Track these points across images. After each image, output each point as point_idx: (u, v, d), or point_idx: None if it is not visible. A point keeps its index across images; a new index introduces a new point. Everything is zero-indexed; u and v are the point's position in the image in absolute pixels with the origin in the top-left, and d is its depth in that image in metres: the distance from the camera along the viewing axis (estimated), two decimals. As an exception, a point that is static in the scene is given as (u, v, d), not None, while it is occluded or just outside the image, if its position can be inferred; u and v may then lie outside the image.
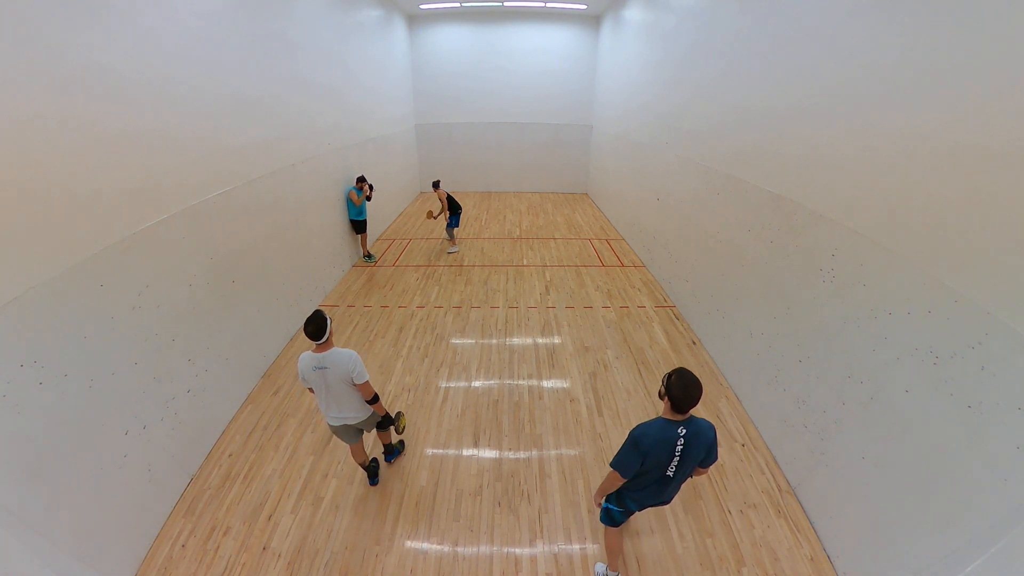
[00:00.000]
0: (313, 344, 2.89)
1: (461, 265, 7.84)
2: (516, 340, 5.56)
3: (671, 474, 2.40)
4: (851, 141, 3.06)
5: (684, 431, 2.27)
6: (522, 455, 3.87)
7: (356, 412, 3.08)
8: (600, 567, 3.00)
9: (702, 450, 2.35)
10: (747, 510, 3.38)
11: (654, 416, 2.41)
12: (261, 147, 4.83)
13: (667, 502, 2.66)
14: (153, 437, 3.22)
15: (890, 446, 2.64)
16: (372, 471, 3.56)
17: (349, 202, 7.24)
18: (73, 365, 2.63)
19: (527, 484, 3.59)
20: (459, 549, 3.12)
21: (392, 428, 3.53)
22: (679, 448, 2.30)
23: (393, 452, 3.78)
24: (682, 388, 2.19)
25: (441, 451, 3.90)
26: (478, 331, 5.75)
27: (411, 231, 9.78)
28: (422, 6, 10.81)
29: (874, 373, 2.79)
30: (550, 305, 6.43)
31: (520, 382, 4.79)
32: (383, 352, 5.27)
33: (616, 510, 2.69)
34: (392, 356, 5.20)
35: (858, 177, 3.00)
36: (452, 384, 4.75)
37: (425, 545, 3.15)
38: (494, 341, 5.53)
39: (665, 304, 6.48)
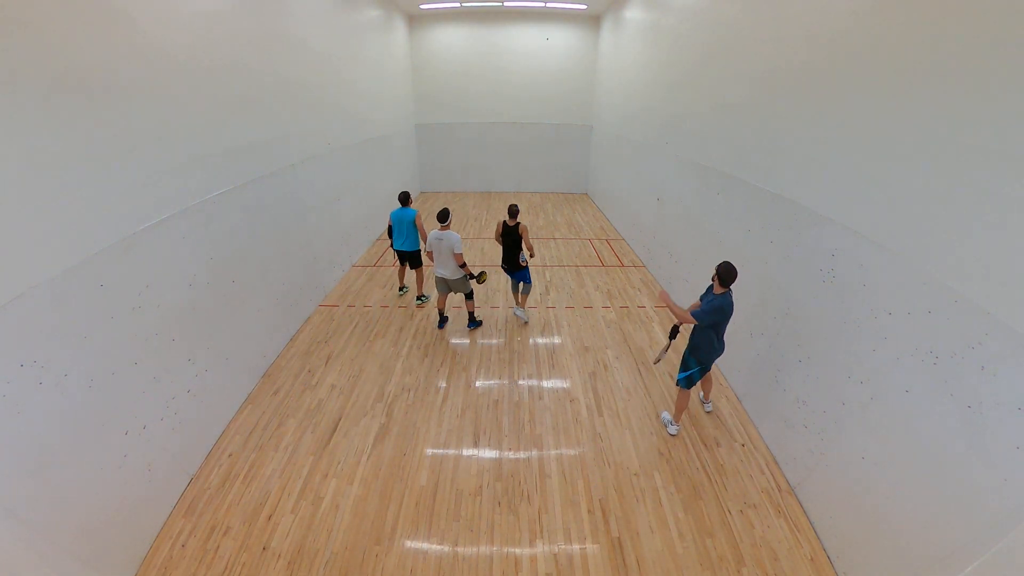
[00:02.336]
0: (439, 225, 5.17)
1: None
2: (516, 340, 5.55)
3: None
4: (851, 141, 3.06)
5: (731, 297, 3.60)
6: (522, 455, 3.87)
7: (449, 272, 5.24)
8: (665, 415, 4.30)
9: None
10: (747, 510, 3.38)
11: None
12: (261, 147, 4.83)
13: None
14: (153, 437, 3.22)
15: (890, 446, 2.64)
16: (443, 320, 5.71)
17: (413, 229, 5.91)
18: (73, 365, 2.63)
19: (527, 484, 3.59)
20: (459, 549, 3.12)
21: (474, 283, 5.52)
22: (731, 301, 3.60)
23: (473, 322, 5.76)
24: (725, 269, 3.51)
25: (441, 451, 3.90)
26: (478, 331, 5.74)
27: (411, 231, 9.78)
28: (422, 6, 10.81)
29: (874, 373, 2.79)
30: (550, 305, 6.43)
31: (520, 382, 4.79)
32: (383, 352, 5.27)
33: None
34: (392, 356, 5.20)
35: (858, 177, 3.00)
36: (452, 384, 4.75)
37: (425, 545, 3.15)
38: (494, 341, 5.53)
39: (665, 304, 6.47)
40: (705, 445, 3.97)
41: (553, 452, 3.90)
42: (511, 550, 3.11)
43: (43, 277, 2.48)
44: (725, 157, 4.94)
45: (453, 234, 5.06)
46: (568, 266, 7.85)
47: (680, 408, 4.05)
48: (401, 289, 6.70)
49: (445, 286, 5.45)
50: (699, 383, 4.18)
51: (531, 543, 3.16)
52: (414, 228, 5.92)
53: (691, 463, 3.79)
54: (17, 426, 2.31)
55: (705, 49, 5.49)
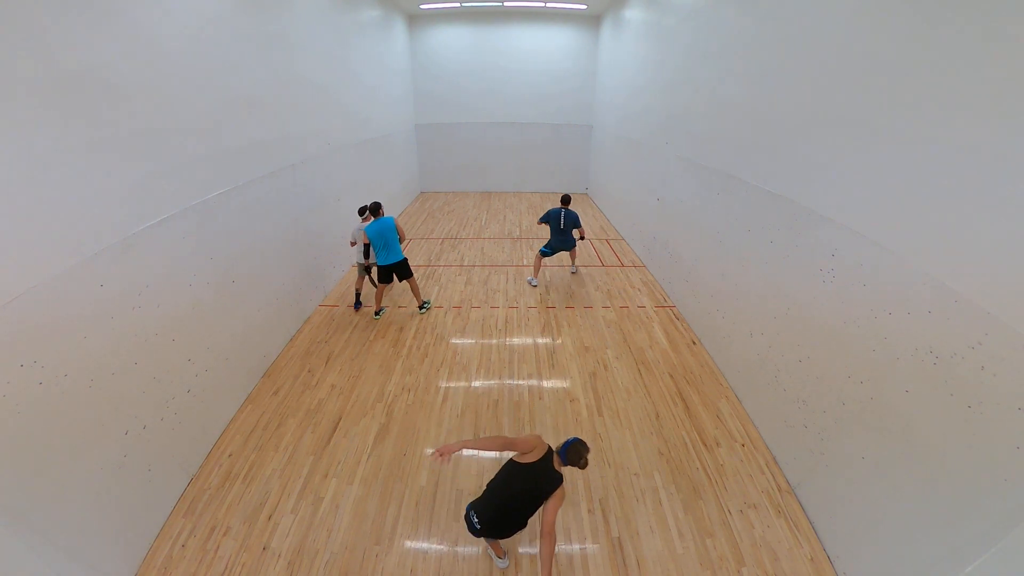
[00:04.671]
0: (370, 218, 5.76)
1: (461, 265, 7.84)
2: (516, 340, 5.56)
3: (563, 227, 6.65)
4: (851, 141, 3.06)
5: (563, 210, 6.62)
6: (522, 455, 3.86)
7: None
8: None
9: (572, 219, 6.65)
10: (747, 510, 3.38)
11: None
12: (261, 147, 4.83)
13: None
14: (153, 437, 3.22)
15: (890, 446, 2.64)
16: (359, 302, 6.19)
17: (395, 236, 5.58)
18: (73, 365, 2.63)
19: (527, 484, 3.59)
20: (459, 549, 3.12)
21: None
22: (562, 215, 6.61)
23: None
24: (566, 195, 6.80)
25: (441, 451, 3.90)
26: (478, 331, 5.75)
27: (410, 231, 9.78)
28: (422, 6, 10.81)
29: (874, 373, 2.79)
30: (550, 305, 6.43)
31: (520, 382, 4.79)
32: (383, 352, 5.27)
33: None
34: (392, 356, 5.20)
35: (858, 177, 3.00)
36: (452, 384, 4.75)
37: (425, 545, 3.15)
38: (494, 341, 5.53)
39: (665, 304, 6.48)
40: (705, 445, 3.97)
41: (553, 452, 3.89)
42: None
43: (43, 277, 2.48)
44: (725, 157, 4.94)
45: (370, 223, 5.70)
46: (568, 266, 7.85)
47: (535, 267, 7.03)
48: (377, 313, 5.98)
49: (366, 270, 6.15)
50: (569, 258, 7.41)
51: (531, 543, 3.16)
52: (396, 235, 5.50)
53: (691, 463, 3.79)
54: (17, 426, 2.31)
55: (705, 48, 5.48)
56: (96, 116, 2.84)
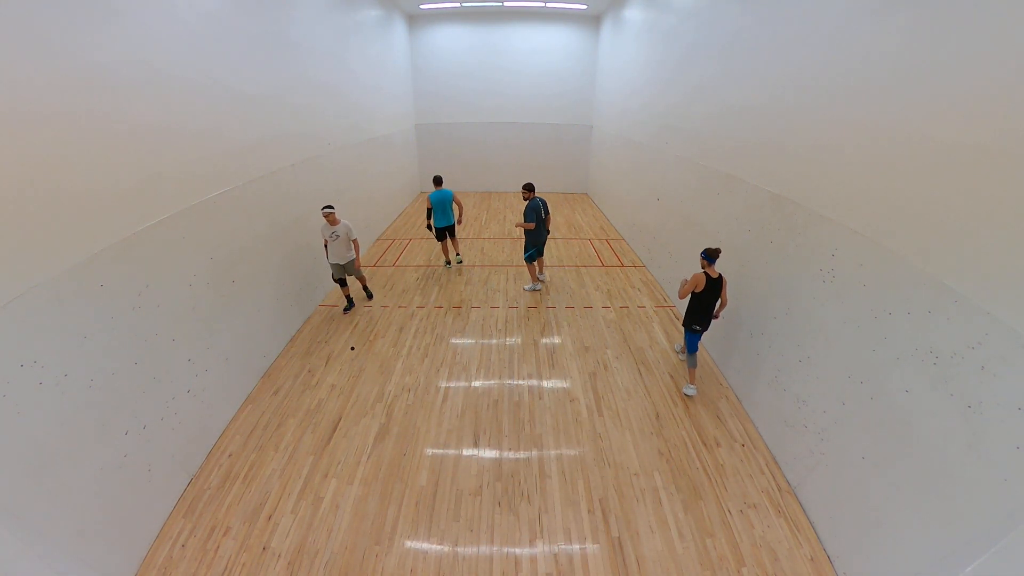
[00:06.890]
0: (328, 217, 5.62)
1: (461, 264, 7.84)
2: (516, 340, 5.56)
3: (543, 216, 6.40)
4: (851, 140, 3.06)
5: (540, 199, 6.40)
6: (522, 455, 3.87)
7: (342, 258, 5.81)
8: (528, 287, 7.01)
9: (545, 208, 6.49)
10: (747, 510, 3.38)
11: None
12: (261, 147, 4.83)
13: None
14: (153, 437, 3.22)
15: (890, 446, 2.64)
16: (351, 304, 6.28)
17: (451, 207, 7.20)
18: (73, 365, 2.63)
19: (527, 484, 3.59)
20: (459, 549, 3.12)
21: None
22: (541, 205, 6.36)
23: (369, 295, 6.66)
24: (528, 183, 6.45)
25: (441, 451, 3.90)
26: (478, 331, 5.75)
27: (411, 231, 9.79)
28: (422, 6, 10.81)
29: (874, 373, 2.79)
30: (550, 305, 6.43)
31: (520, 382, 4.79)
32: (383, 352, 5.27)
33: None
34: (392, 356, 5.20)
35: (858, 177, 3.00)
36: (452, 384, 4.75)
37: (425, 545, 3.15)
38: (494, 341, 5.53)
39: (665, 304, 6.48)
40: (705, 445, 3.97)
41: (553, 452, 3.90)
42: (511, 550, 3.11)
43: (43, 277, 2.48)
44: (725, 157, 4.94)
45: (346, 223, 5.81)
46: (568, 266, 7.85)
47: (532, 274, 6.89)
48: (448, 263, 7.73)
49: (342, 271, 5.96)
50: (536, 262, 6.90)
51: (531, 543, 3.16)
52: (451, 205, 7.16)
53: (691, 463, 3.79)
54: (17, 426, 2.31)
55: (705, 48, 5.48)
56: (96, 116, 2.84)
